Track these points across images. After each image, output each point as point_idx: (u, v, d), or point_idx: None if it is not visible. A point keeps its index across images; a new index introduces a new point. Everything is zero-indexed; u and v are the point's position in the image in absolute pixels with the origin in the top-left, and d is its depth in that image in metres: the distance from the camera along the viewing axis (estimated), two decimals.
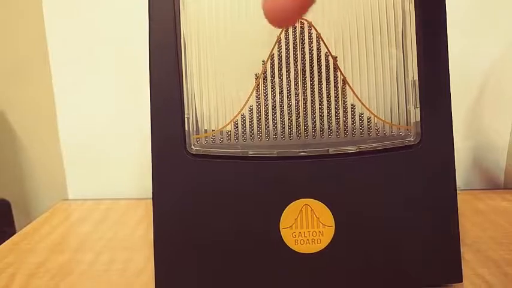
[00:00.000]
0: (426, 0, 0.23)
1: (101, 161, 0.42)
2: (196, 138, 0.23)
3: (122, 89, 0.40)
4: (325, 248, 0.23)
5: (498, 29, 0.38)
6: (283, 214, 0.23)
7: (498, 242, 0.29)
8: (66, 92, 0.41)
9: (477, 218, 0.33)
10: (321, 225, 0.23)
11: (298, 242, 0.23)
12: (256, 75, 0.23)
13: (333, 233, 0.23)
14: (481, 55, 0.38)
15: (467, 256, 0.27)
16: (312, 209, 0.23)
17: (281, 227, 0.23)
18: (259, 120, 0.23)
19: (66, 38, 0.40)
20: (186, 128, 0.23)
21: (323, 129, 0.23)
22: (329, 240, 0.23)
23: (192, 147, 0.23)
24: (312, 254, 0.23)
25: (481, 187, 0.41)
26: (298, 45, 0.23)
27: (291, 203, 0.23)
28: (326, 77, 0.23)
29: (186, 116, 0.23)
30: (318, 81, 0.23)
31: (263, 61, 0.23)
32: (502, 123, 0.40)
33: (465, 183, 0.40)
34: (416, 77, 0.23)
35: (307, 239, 0.23)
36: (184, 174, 0.23)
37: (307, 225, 0.23)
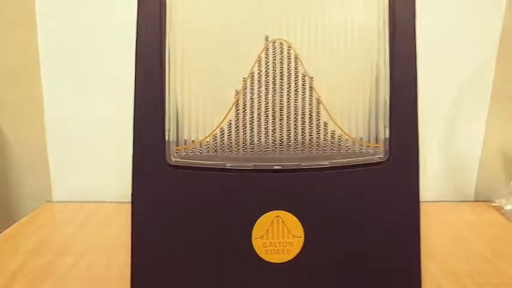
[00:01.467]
0: (398, 30, 0.24)
1: (87, 164, 0.42)
2: (176, 150, 0.24)
3: (110, 94, 0.41)
4: (294, 258, 0.24)
5: (472, 44, 0.40)
6: (255, 225, 0.24)
7: (462, 254, 0.31)
8: (54, 94, 0.41)
9: (446, 230, 0.35)
10: (291, 236, 0.24)
11: (269, 252, 0.24)
12: (236, 91, 0.24)
13: (302, 244, 0.24)
14: (454, 70, 0.40)
15: (431, 268, 0.29)
16: (283, 221, 0.24)
17: (253, 237, 0.24)
18: (237, 134, 0.24)
19: (57, 42, 0.40)
20: (167, 139, 0.24)
21: (297, 144, 0.24)
22: (298, 251, 0.24)
23: (172, 158, 0.24)
24: (281, 263, 0.24)
25: (453, 199, 0.42)
26: (277, 65, 0.24)
27: (264, 215, 0.24)
28: (302, 95, 0.24)
29: (166, 128, 0.24)
30: (294, 100, 0.24)
31: (244, 78, 0.24)
32: (474, 137, 0.41)
33: (437, 196, 0.42)
34: (387, 99, 0.24)
35: (278, 249, 0.24)
36: (163, 184, 0.24)
37: (277, 236, 0.24)
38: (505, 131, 0.41)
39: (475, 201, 0.42)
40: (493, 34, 0.39)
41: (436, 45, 0.39)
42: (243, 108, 0.24)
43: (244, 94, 0.24)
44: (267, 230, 0.24)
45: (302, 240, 0.24)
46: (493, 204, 0.40)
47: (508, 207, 0.39)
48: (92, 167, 0.42)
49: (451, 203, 0.41)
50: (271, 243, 0.24)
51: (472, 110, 0.41)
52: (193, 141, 0.24)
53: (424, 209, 0.38)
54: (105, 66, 0.40)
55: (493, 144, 0.42)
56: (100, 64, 0.40)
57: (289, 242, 0.24)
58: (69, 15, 0.40)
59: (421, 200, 0.41)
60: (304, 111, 0.24)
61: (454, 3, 0.39)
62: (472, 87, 0.40)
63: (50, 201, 0.43)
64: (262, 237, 0.24)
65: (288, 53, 0.24)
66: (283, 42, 0.24)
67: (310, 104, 0.24)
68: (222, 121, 0.24)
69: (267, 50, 0.24)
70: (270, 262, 0.24)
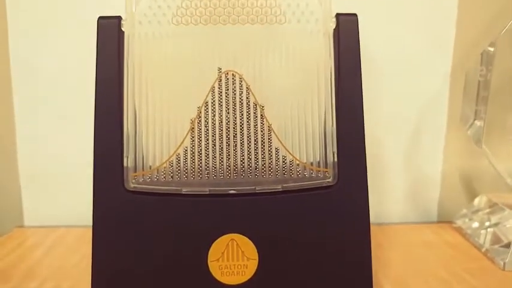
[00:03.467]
0: (343, 62, 0.26)
1: (58, 188, 0.43)
2: (134, 175, 0.25)
3: (82, 119, 0.42)
4: (249, 279, 0.25)
5: (427, 71, 0.42)
6: (211, 248, 0.25)
7: (419, 274, 0.32)
8: (26, 118, 0.42)
9: (406, 250, 0.36)
10: (246, 258, 0.25)
11: (224, 274, 0.25)
12: (191, 119, 0.26)
13: (256, 266, 0.25)
14: (412, 97, 0.42)
15: (386, 287, 0.30)
16: (237, 244, 0.25)
17: (209, 260, 0.25)
18: (193, 160, 0.26)
19: (30, 67, 0.41)
20: (125, 166, 0.25)
21: (251, 170, 0.26)
22: (252, 273, 0.25)
23: (130, 184, 0.25)
24: (236, 285, 0.25)
25: (417, 220, 0.43)
26: (230, 95, 0.26)
27: (219, 238, 0.25)
28: (254, 123, 0.26)
29: (125, 154, 0.25)
30: (247, 127, 0.26)
31: (198, 107, 0.26)
32: (434, 158, 0.43)
33: (402, 217, 0.43)
34: (334, 125, 0.26)
35: (233, 271, 0.25)
36: (122, 209, 0.25)
37: (232, 259, 0.25)
38: (463, 153, 0.43)
39: (438, 222, 0.43)
40: (446, 59, 0.42)
41: (394, 74, 0.42)
42: (198, 135, 0.26)
43: (199, 122, 0.26)
44: (222, 252, 0.25)
45: (256, 262, 0.25)
46: (454, 225, 0.41)
47: (474, 224, 0.40)
48: (63, 191, 0.43)
49: (415, 224, 0.42)
50: (226, 265, 0.25)
51: (430, 134, 0.43)
52: (150, 167, 0.26)
53: (387, 231, 0.40)
54: (79, 91, 0.41)
55: (452, 166, 0.43)
56: (74, 88, 0.41)
57: (244, 264, 0.25)
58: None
59: (387, 221, 0.43)
60: (257, 138, 0.26)
61: (410, 30, 0.41)
62: (429, 113, 0.42)
63: (21, 226, 0.43)
64: (218, 259, 0.25)
65: (240, 83, 0.26)
66: (235, 73, 0.26)
67: (262, 131, 0.26)
68: (178, 148, 0.25)
69: (220, 81, 0.26)
70: (226, 284, 0.25)
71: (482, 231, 0.39)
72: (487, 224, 0.39)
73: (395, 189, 0.43)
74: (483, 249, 0.36)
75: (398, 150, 0.43)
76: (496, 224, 0.39)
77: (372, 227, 0.39)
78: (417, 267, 0.33)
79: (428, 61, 0.42)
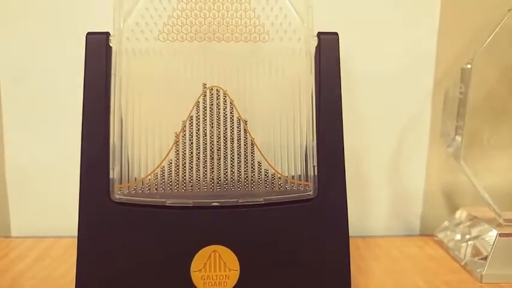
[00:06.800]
0: (323, 79, 0.27)
1: (47, 199, 0.43)
2: (120, 187, 0.26)
3: (71, 130, 0.42)
4: None
5: (409, 88, 0.43)
6: (194, 259, 0.26)
7: (398, 286, 0.32)
8: (14, 127, 0.42)
9: (388, 263, 0.37)
10: (228, 269, 0.26)
11: (207, 284, 0.26)
12: (176, 133, 0.26)
13: (238, 277, 0.26)
14: (394, 114, 0.43)
15: None
16: (219, 255, 0.26)
17: (192, 270, 0.26)
18: (177, 172, 0.26)
19: (19, 77, 0.42)
20: (111, 177, 0.26)
21: (234, 183, 0.26)
22: (234, 283, 0.26)
23: (116, 195, 0.26)
24: None
25: (400, 233, 0.44)
26: (214, 110, 0.27)
27: (202, 249, 0.26)
28: (237, 137, 0.26)
29: (111, 166, 0.26)
30: (230, 141, 0.26)
31: (183, 121, 0.26)
32: (416, 173, 0.44)
33: (386, 230, 0.44)
34: (315, 140, 0.27)
35: (215, 282, 0.26)
36: (107, 220, 0.26)
37: (215, 269, 0.26)
38: (445, 168, 0.44)
39: (420, 235, 0.44)
40: (428, 77, 0.43)
41: (376, 91, 0.43)
42: (183, 148, 0.26)
43: (184, 136, 0.26)
44: (205, 263, 0.26)
45: (238, 273, 0.26)
46: (436, 238, 0.42)
47: (456, 237, 0.41)
48: (51, 201, 0.43)
49: (398, 237, 0.43)
50: (208, 276, 0.26)
51: (412, 149, 0.44)
52: (135, 179, 0.26)
53: (371, 243, 0.41)
54: (67, 102, 0.42)
55: (435, 181, 0.44)
56: (62, 99, 0.42)
57: (225, 275, 0.26)
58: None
59: (370, 234, 0.43)
60: (240, 152, 0.26)
61: (391, 48, 0.43)
62: (412, 129, 0.43)
63: (8, 237, 0.43)
64: (200, 270, 0.26)
65: (224, 99, 0.26)
66: (220, 89, 0.26)
67: (245, 145, 0.27)
68: (163, 160, 0.26)
69: (204, 96, 0.26)
70: None
71: (463, 244, 0.40)
72: (468, 237, 0.40)
73: (379, 203, 0.44)
74: (463, 262, 0.37)
75: (382, 165, 0.44)
76: (476, 237, 0.40)
77: (355, 240, 0.40)
78: (397, 279, 0.34)
79: (410, 78, 0.43)
